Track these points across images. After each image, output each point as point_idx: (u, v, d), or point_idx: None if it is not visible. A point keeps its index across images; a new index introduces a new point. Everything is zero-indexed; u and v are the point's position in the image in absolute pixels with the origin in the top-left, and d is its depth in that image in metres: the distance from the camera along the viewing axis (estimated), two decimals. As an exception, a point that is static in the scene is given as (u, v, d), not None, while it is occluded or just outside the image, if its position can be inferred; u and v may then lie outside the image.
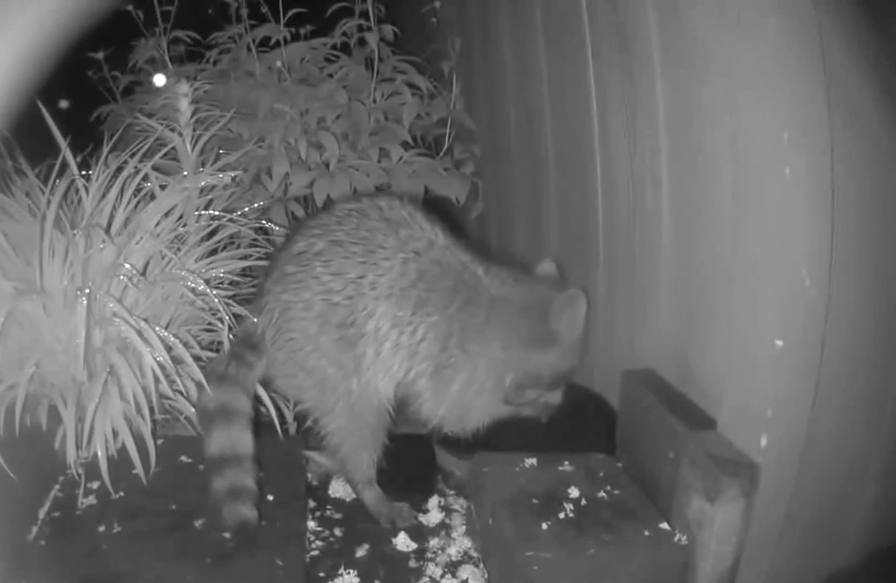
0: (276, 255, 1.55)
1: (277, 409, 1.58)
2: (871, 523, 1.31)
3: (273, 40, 2.18)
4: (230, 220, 1.74)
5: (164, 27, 2.26)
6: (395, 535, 1.46)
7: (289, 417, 1.66)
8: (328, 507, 1.55)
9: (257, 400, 1.53)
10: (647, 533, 1.26)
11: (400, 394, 1.45)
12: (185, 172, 1.78)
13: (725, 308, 1.27)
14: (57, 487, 1.43)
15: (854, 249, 1.13)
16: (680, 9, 1.26)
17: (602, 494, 1.36)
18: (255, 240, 1.82)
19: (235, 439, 1.36)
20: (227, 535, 1.29)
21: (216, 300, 1.53)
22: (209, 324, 1.61)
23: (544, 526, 1.27)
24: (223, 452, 1.34)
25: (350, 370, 1.40)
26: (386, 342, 1.38)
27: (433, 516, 1.54)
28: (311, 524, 1.48)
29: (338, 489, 1.60)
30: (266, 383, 1.53)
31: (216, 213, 1.74)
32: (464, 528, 1.52)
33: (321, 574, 1.35)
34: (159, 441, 1.47)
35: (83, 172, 1.60)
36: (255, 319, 1.50)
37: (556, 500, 1.34)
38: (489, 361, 1.39)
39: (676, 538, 1.26)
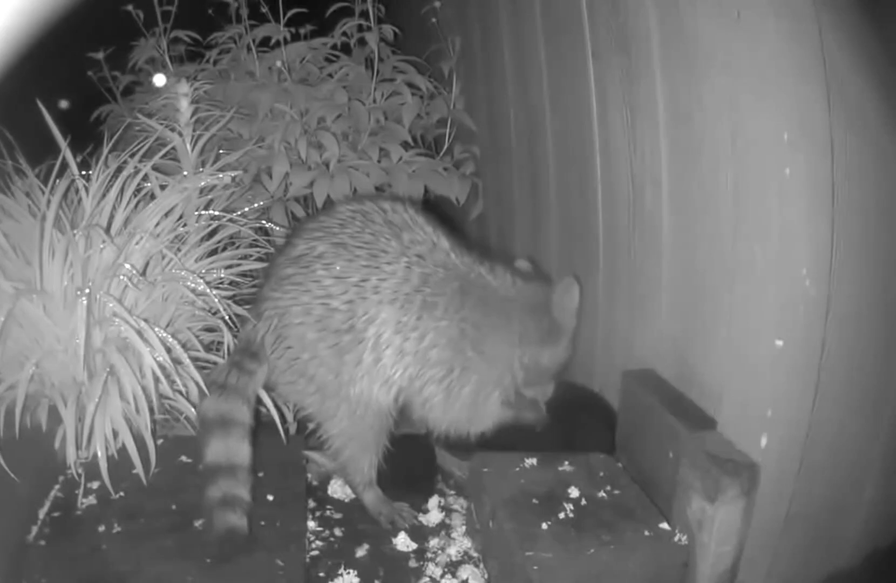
0: (274, 259, 1.54)
1: (278, 409, 1.57)
2: (871, 523, 1.31)
3: (273, 40, 2.18)
4: (230, 220, 1.74)
5: (164, 27, 2.25)
6: (395, 535, 1.46)
7: (289, 416, 1.66)
8: (328, 507, 1.55)
9: (258, 401, 1.53)
10: (647, 533, 1.26)
11: (404, 400, 1.44)
12: (185, 172, 1.77)
13: (725, 308, 1.27)
14: (57, 487, 1.43)
15: (854, 249, 1.13)
16: (680, 8, 1.26)
17: (602, 494, 1.36)
18: (255, 240, 1.82)
19: (232, 450, 1.35)
20: (213, 541, 1.27)
21: (216, 300, 1.52)
22: (210, 324, 1.61)
23: (544, 526, 1.27)
24: (219, 461, 1.34)
25: (347, 378, 1.39)
26: (387, 349, 1.36)
27: (433, 516, 1.54)
28: (311, 524, 1.49)
29: (337, 489, 1.60)
30: (269, 388, 1.53)
31: (216, 213, 1.74)
32: (464, 528, 1.52)
33: (321, 574, 1.35)
34: (159, 441, 1.48)
35: (83, 172, 1.60)
36: (255, 326, 1.48)
37: (556, 500, 1.34)
38: (503, 361, 1.41)
39: (676, 538, 1.26)
